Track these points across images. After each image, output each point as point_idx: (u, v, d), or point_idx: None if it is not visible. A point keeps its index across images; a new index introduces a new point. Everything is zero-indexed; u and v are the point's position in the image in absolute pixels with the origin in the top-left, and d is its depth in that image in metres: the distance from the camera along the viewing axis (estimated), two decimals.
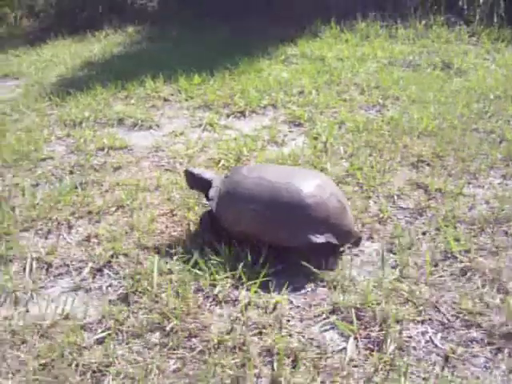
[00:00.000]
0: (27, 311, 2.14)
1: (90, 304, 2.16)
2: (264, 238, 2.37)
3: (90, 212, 2.86)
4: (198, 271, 2.27)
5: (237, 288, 2.21)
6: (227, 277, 2.25)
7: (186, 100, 4.73)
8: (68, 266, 2.43)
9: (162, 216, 2.77)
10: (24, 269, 2.42)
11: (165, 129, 4.12)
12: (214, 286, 2.21)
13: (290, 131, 3.94)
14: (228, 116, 4.30)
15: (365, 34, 6.90)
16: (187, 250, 2.43)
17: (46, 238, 2.67)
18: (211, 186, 2.58)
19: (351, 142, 3.60)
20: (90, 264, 2.42)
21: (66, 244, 2.60)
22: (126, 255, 2.46)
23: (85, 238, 2.63)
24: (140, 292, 2.20)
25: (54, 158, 3.62)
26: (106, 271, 2.38)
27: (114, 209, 2.88)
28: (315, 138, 3.71)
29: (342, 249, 2.45)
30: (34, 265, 2.44)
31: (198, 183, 2.71)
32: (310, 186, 2.37)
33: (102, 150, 3.70)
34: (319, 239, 2.30)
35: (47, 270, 2.42)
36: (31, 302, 2.20)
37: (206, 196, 2.61)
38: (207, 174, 2.71)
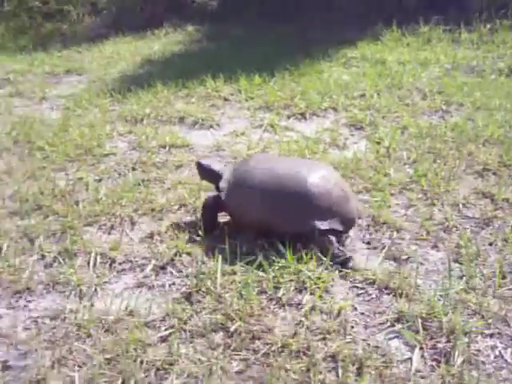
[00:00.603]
0: (92, 305, 2.17)
1: (153, 301, 2.17)
2: (272, 226, 2.46)
3: (152, 209, 2.88)
4: (261, 273, 2.26)
5: (300, 291, 2.19)
6: (291, 280, 2.23)
7: (246, 100, 4.73)
8: (131, 262, 2.46)
9: (224, 216, 2.77)
10: (88, 263, 2.45)
11: (225, 128, 4.13)
12: (278, 288, 2.19)
13: (351, 135, 3.91)
14: (289, 117, 4.29)
15: (427, 38, 6.77)
16: (250, 251, 2.43)
17: (110, 234, 2.71)
18: (221, 178, 2.67)
19: (414, 148, 3.54)
20: (153, 261, 2.44)
21: (129, 240, 2.63)
22: (189, 254, 2.47)
23: (148, 235, 2.65)
24: (203, 292, 2.20)
25: (116, 154, 3.67)
26: (169, 269, 2.39)
27: (176, 207, 2.90)
28: (377, 143, 3.66)
29: (406, 256, 2.41)
30: (98, 260, 2.47)
31: (208, 175, 2.80)
32: (315, 176, 2.49)
33: (164, 147, 3.73)
34: (324, 226, 2.41)
35: (111, 265, 2.45)
36: (95, 297, 2.23)
37: (217, 187, 2.68)
38: (217, 166, 2.80)
